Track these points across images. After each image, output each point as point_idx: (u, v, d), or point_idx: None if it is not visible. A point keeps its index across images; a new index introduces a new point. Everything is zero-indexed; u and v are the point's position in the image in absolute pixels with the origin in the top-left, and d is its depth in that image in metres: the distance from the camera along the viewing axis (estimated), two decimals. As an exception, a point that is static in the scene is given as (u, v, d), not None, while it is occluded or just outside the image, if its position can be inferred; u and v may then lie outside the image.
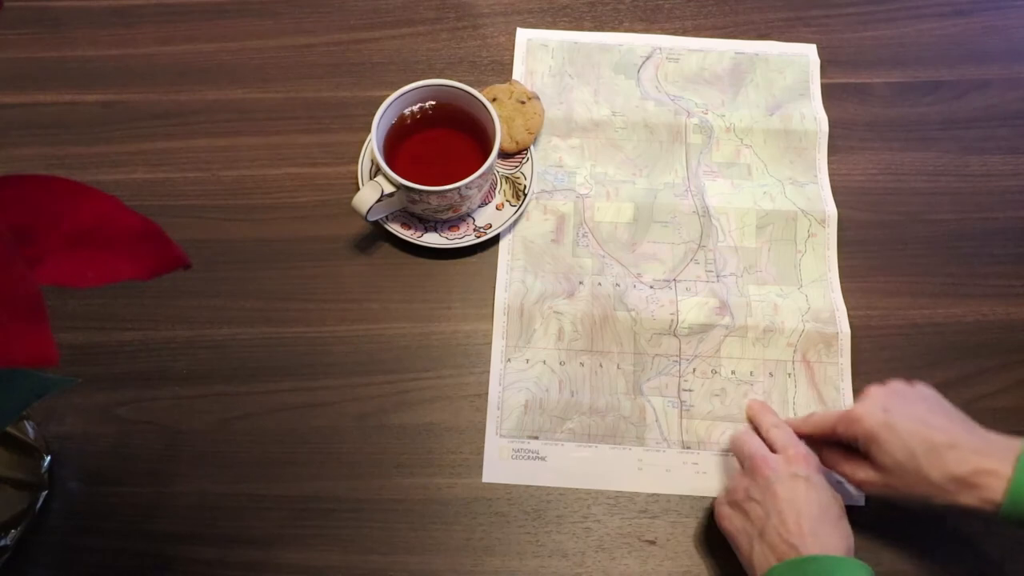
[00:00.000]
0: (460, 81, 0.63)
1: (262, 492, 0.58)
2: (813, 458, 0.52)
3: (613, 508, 0.58)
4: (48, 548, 0.56)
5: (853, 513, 0.57)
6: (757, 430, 0.57)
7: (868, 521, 0.57)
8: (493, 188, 0.67)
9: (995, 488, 0.46)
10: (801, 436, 0.55)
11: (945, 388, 0.61)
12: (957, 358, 0.62)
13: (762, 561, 0.48)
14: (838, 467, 0.54)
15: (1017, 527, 0.47)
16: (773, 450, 0.54)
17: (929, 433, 0.49)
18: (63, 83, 0.72)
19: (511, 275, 0.65)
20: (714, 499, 0.57)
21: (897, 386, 0.53)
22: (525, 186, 0.66)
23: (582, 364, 0.62)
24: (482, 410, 0.60)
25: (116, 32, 0.75)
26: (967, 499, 0.47)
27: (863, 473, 0.52)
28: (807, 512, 0.48)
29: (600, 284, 0.65)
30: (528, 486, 0.58)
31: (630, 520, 0.57)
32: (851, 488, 0.58)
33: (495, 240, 0.66)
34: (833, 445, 0.54)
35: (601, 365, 0.62)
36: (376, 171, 0.61)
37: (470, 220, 0.66)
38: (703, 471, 0.59)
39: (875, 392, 0.53)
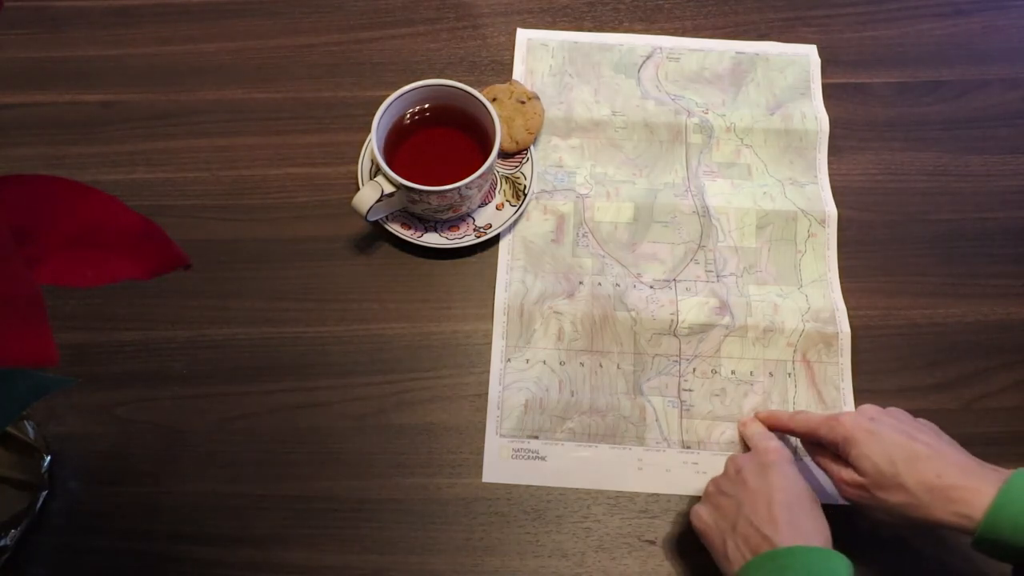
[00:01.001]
0: (460, 81, 0.63)
1: (262, 492, 0.58)
2: (784, 450, 0.52)
3: (613, 508, 0.58)
4: (48, 548, 0.56)
5: (853, 513, 0.57)
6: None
7: (868, 521, 0.57)
8: (493, 188, 0.67)
9: (974, 504, 0.44)
10: (788, 431, 0.57)
11: (945, 388, 0.61)
12: (957, 358, 0.62)
13: (736, 556, 0.47)
14: (824, 463, 0.53)
15: (988, 552, 0.46)
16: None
17: (912, 444, 0.48)
18: (63, 83, 0.72)
19: (511, 275, 0.65)
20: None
21: (895, 409, 0.53)
22: (525, 186, 0.66)
23: (582, 364, 0.62)
24: (482, 410, 0.60)
25: (116, 32, 0.75)
26: (941, 513, 0.46)
27: (846, 473, 0.51)
28: (779, 499, 0.48)
29: (600, 284, 0.65)
30: (528, 486, 0.58)
31: (630, 520, 0.57)
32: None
33: (495, 240, 0.66)
34: (822, 445, 0.54)
35: (601, 365, 0.62)
36: (376, 171, 0.61)
37: (470, 220, 0.66)
38: (703, 471, 0.59)
39: (867, 406, 0.53)
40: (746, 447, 0.59)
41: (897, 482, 0.47)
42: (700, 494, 0.58)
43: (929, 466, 0.47)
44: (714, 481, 0.53)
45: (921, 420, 0.53)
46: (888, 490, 0.48)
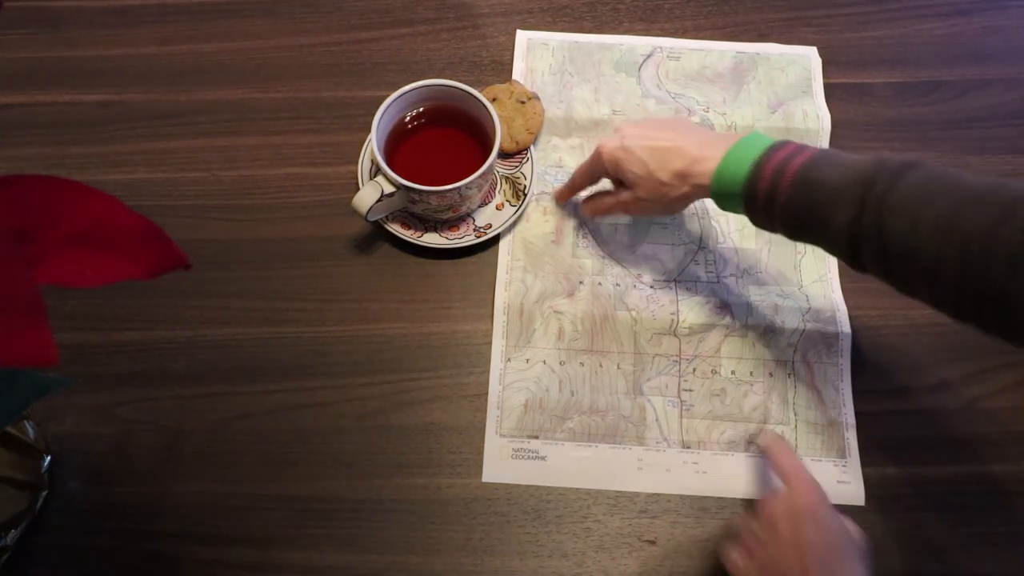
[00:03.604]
0: (460, 81, 0.63)
1: (262, 492, 0.58)
2: (819, 491, 0.50)
3: (613, 508, 0.57)
4: (48, 548, 0.56)
5: (853, 513, 0.57)
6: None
7: (868, 521, 0.57)
8: (493, 188, 0.67)
9: (704, 173, 0.53)
10: (578, 188, 0.64)
11: (945, 388, 0.61)
12: (957, 358, 0.62)
13: None
14: (608, 201, 0.61)
15: (727, 207, 0.54)
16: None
17: (654, 143, 0.56)
18: (63, 83, 0.72)
19: (511, 275, 0.65)
20: (713, 500, 0.58)
21: (646, 119, 0.62)
22: (525, 186, 0.66)
23: (582, 364, 0.62)
24: (482, 410, 0.60)
25: (116, 32, 0.75)
26: (687, 188, 0.55)
27: (624, 195, 0.59)
28: (812, 553, 0.46)
29: (600, 284, 0.65)
30: (528, 486, 0.58)
31: (630, 520, 0.57)
32: (851, 490, 0.58)
33: (495, 240, 0.66)
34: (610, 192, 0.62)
35: (601, 365, 0.62)
36: (376, 171, 0.61)
37: (470, 220, 0.66)
38: (703, 471, 0.59)
39: (619, 125, 0.60)
40: (748, 444, 0.59)
41: (656, 179, 0.56)
42: (700, 494, 0.58)
43: (673, 155, 0.55)
44: (745, 520, 0.52)
45: (671, 117, 0.65)
46: (652, 190, 0.56)
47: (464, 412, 0.60)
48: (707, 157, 0.53)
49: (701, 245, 0.66)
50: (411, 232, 0.65)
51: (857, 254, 0.46)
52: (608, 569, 0.56)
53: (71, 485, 0.57)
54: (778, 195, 0.48)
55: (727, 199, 0.53)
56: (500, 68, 0.74)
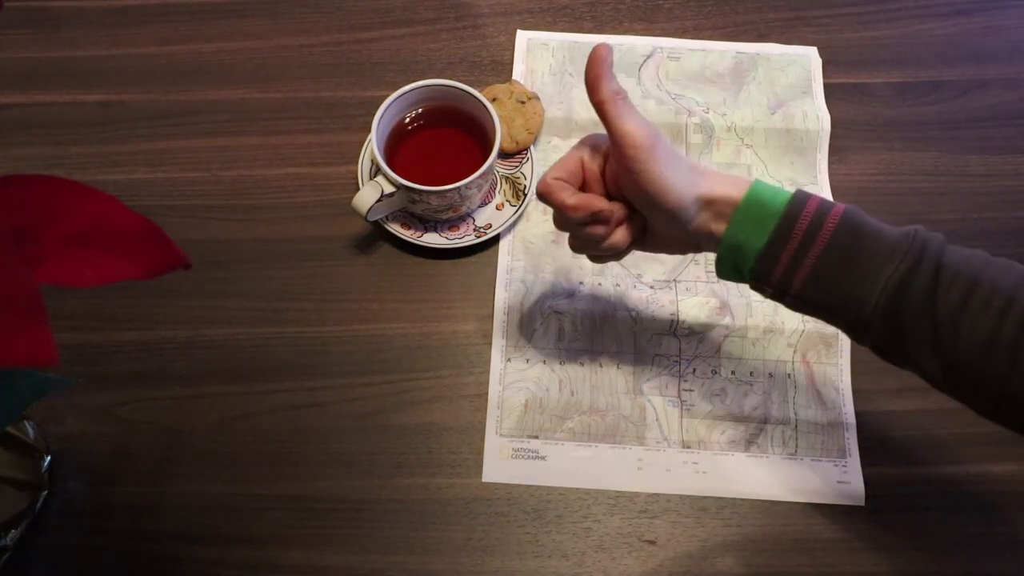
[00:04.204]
0: (460, 81, 0.63)
1: (262, 492, 0.58)
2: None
3: (613, 508, 0.57)
4: (48, 548, 0.56)
5: (853, 513, 0.57)
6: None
7: (868, 521, 0.57)
8: (493, 188, 0.67)
9: (730, 203, 0.45)
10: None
11: (945, 388, 0.61)
12: (957, 358, 0.62)
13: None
14: (588, 200, 0.48)
15: (729, 270, 0.47)
16: None
17: (684, 159, 0.47)
18: (63, 83, 0.72)
19: (511, 275, 0.65)
20: (713, 500, 0.58)
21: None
22: (525, 186, 0.66)
23: (582, 364, 0.62)
24: (482, 410, 0.60)
25: (116, 32, 0.75)
26: (702, 218, 0.46)
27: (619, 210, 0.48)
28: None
29: (600, 284, 0.65)
30: (528, 486, 0.58)
31: (630, 520, 0.57)
32: (851, 490, 0.58)
33: (495, 240, 0.66)
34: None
35: (601, 365, 0.62)
36: (376, 171, 0.61)
37: (470, 220, 0.66)
38: (703, 470, 0.59)
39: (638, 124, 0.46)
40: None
41: (674, 196, 0.45)
42: (700, 494, 0.58)
43: (699, 175, 0.46)
44: None
45: None
46: (664, 204, 0.45)
47: (464, 412, 0.60)
48: (733, 183, 0.46)
49: (701, 245, 0.66)
50: (411, 232, 0.65)
51: (896, 315, 0.42)
52: (608, 569, 0.56)
53: (71, 485, 0.57)
54: (820, 233, 0.43)
55: (741, 239, 0.45)
56: (500, 68, 0.74)
